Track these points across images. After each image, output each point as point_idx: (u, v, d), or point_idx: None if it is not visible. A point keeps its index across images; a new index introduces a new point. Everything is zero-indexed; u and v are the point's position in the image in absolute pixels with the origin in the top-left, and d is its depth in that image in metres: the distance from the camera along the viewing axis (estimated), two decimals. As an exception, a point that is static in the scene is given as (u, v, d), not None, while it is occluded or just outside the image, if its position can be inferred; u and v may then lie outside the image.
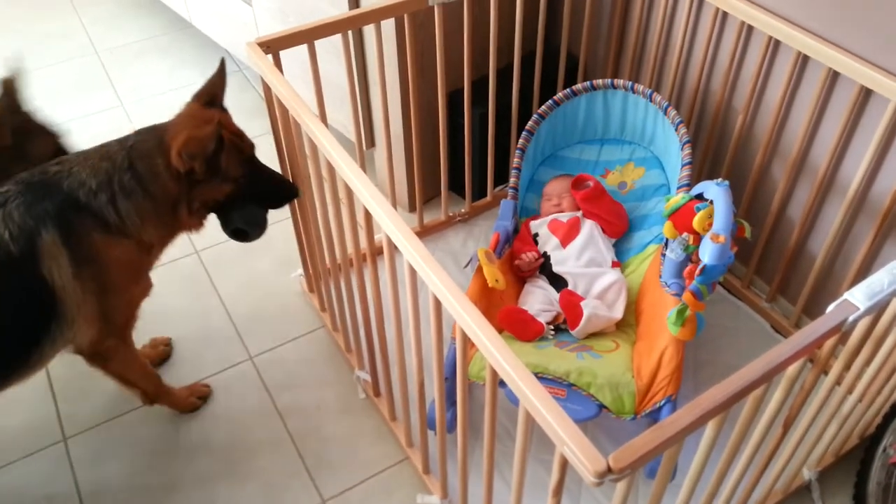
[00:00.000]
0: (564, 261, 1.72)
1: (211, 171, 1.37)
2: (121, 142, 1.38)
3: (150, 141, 1.36)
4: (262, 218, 1.52)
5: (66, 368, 1.46)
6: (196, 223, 1.46)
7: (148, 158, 1.35)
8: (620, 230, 1.82)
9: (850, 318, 0.98)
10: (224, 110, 1.47)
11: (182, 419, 1.73)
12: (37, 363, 1.37)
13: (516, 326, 1.59)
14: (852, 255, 1.66)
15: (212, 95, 1.45)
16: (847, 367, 1.17)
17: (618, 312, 1.65)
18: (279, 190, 1.53)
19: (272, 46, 1.49)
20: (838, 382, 1.22)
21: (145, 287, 1.51)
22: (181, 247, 2.16)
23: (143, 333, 1.53)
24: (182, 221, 1.43)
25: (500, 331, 1.61)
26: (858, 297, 0.99)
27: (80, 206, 1.31)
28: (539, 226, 1.81)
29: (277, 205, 1.53)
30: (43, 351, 1.35)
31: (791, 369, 1.01)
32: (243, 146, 1.44)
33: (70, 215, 1.30)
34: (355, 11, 1.59)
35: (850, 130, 1.56)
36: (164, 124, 1.39)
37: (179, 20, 3.02)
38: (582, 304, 1.61)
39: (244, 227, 1.49)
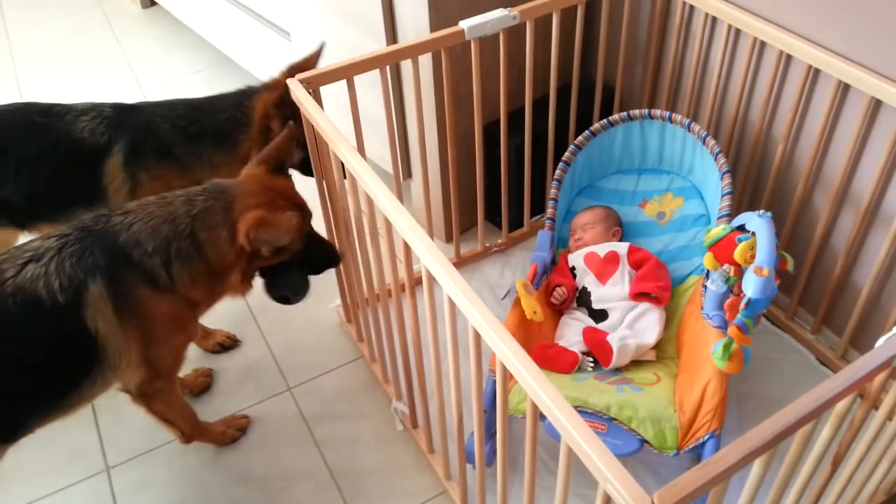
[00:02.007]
0: (604, 297, 1.71)
1: (278, 249, 1.38)
2: (188, 202, 1.37)
3: (217, 212, 1.36)
4: (305, 284, 1.54)
5: (108, 399, 1.49)
6: (245, 288, 1.47)
7: (212, 229, 1.35)
8: (668, 301, 1.74)
9: (902, 353, 0.96)
10: (288, 177, 1.48)
11: (222, 449, 1.75)
12: (77, 403, 1.40)
13: (550, 361, 1.58)
14: (900, 285, 1.63)
15: (279, 161, 1.45)
16: (898, 402, 1.14)
17: (649, 338, 1.63)
18: (327, 257, 1.55)
19: (313, 82, 1.52)
20: (889, 418, 1.19)
21: (191, 334, 1.53)
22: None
23: (185, 363, 1.57)
24: (231, 286, 1.44)
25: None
26: (909, 331, 0.97)
27: (130, 262, 1.33)
28: (576, 258, 1.80)
29: (320, 271, 1.55)
30: (83, 392, 1.38)
31: (840, 405, 0.99)
32: (306, 220, 1.45)
33: (119, 271, 1.32)
34: (394, 47, 1.61)
35: (895, 159, 1.53)
36: (233, 190, 1.39)
37: (221, 55, 3.10)
38: (608, 339, 1.59)
39: (289, 295, 1.52)
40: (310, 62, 1.45)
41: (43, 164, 1.64)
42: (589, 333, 1.61)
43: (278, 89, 1.68)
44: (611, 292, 1.71)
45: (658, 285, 1.69)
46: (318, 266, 1.54)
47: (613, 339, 1.59)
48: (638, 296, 1.69)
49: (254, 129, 1.68)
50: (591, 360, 1.62)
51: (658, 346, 1.68)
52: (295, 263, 1.46)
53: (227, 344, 1.99)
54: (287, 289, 1.51)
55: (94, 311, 1.30)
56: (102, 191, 1.67)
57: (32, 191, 1.66)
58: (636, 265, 1.75)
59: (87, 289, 1.30)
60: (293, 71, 1.63)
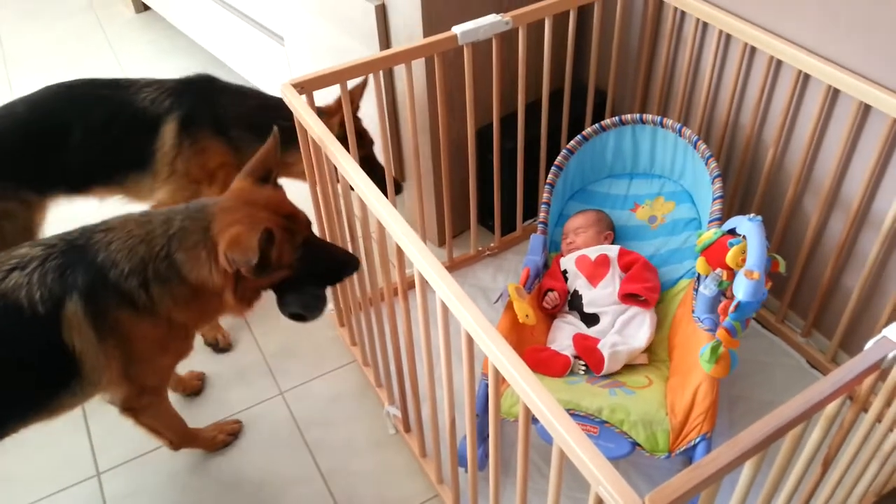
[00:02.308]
0: (595, 300, 1.71)
1: (260, 267, 1.27)
2: (166, 222, 1.32)
3: (194, 232, 1.30)
4: (320, 299, 1.43)
5: (100, 404, 1.49)
6: (244, 308, 1.38)
7: (189, 250, 1.30)
8: (655, 302, 1.76)
9: (890, 356, 0.97)
10: (278, 187, 1.41)
11: (214, 454, 1.74)
12: (57, 409, 1.39)
13: (542, 365, 1.58)
14: (889, 287, 1.64)
15: (265, 171, 1.39)
16: (888, 403, 1.14)
17: (639, 342, 1.64)
18: (338, 265, 1.43)
19: (306, 87, 1.52)
20: (879, 419, 1.20)
21: (180, 353, 1.49)
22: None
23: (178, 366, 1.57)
24: (227, 307, 1.37)
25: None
26: (898, 333, 0.97)
27: (108, 282, 1.30)
28: (568, 262, 1.81)
29: (336, 281, 1.47)
30: (62, 402, 1.37)
31: (830, 407, 1.00)
32: (297, 230, 1.35)
33: (96, 291, 1.30)
34: (387, 52, 1.62)
35: (884, 163, 1.55)
36: (214, 208, 1.32)
37: (215, 60, 3.10)
38: (599, 346, 1.60)
39: (301, 312, 1.41)
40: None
41: (104, 133, 1.78)
42: (580, 341, 1.61)
43: (335, 118, 1.79)
44: (602, 294, 1.71)
45: (645, 286, 1.69)
46: (330, 276, 1.45)
47: (604, 347, 1.60)
48: (626, 297, 1.70)
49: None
50: (583, 363, 1.62)
51: (650, 350, 1.69)
52: (304, 278, 1.37)
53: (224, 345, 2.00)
54: (297, 305, 1.40)
55: (71, 328, 1.29)
56: (152, 155, 1.80)
57: (91, 157, 1.79)
58: (626, 268, 1.76)
59: (65, 306, 1.28)
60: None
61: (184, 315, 1.37)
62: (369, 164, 1.86)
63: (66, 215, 1.76)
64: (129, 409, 1.49)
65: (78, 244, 1.33)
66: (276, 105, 1.77)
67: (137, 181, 1.85)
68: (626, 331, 1.66)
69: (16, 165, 1.75)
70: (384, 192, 1.76)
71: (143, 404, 1.48)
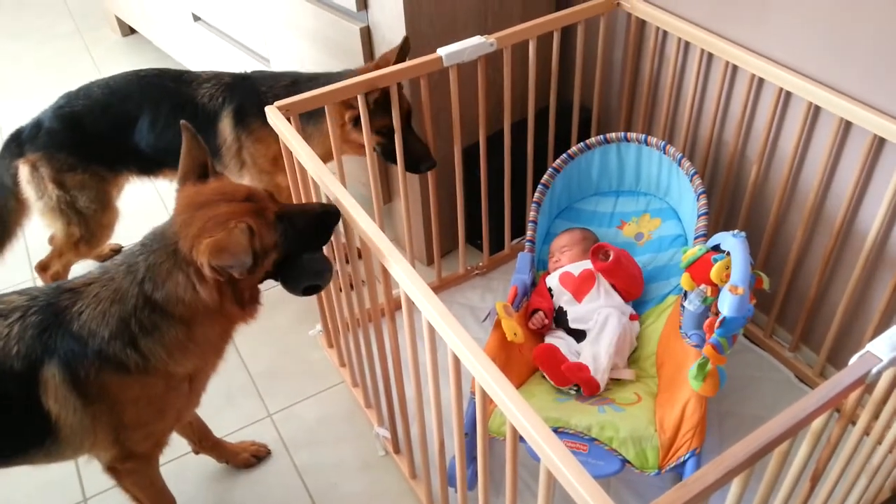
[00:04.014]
0: (581, 317, 1.71)
1: (252, 264, 1.19)
2: (130, 271, 1.21)
3: (163, 262, 1.19)
4: (322, 261, 1.34)
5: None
6: (251, 310, 1.29)
7: (166, 282, 1.19)
8: (635, 296, 1.79)
9: (874, 370, 0.97)
10: (220, 175, 1.32)
11: (201, 478, 1.73)
12: (26, 462, 1.32)
13: (550, 367, 1.58)
14: (875, 301, 1.65)
15: (200, 167, 1.28)
16: (875, 416, 1.15)
17: (609, 334, 1.65)
18: (320, 222, 1.34)
19: (292, 109, 1.53)
20: (867, 433, 1.20)
21: (182, 411, 1.38)
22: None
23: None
24: (233, 318, 1.27)
25: (521, 381, 1.60)
26: (881, 348, 0.98)
27: (88, 352, 1.20)
28: (552, 280, 1.81)
29: (327, 237, 1.37)
30: (34, 458, 1.30)
31: (816, 422, 1.00)
32: (264, 207, 1.24)
33: (77, 359, 1.20)
34: (373, 74, 1.63)
35: (866, 179, 1.56)
36: (172, 228, 1.21)
37: (201, 82, 3.10)
38: (593, 374, 1.59)
39: (314, 282, 1.33)
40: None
41: (171, 124, 1.91)
42: (575, 373, 1.59)
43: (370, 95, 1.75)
44: (587, 310, 1.72)
45: (624, 279, 1.75)
46: (318, 236, 1.34)
47: (597, 372, 1.59)
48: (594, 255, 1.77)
49: (332, 109, 1.67)
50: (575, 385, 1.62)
51: (638, 365, 1.69)
52: (294, 250, 1.27)
53: None
54: (307, 277, 1.31)
55: (48, 391, 1.20)
56: (218, 150, 1.93)
57: (160, 145, 1.93)
58: (608, 271, 1.76)
59: (43, 368, 1.20)
60: (380, 63, 1.72)
61: (183, 362, 1.26)
62: (391, 135, 1.80)
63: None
64: (113, 469, 1.38)
65: (52, 302, 1.23)
66: (304, 79, 1.85)
67: None
68: (624, 350, 1.67)
69: (90, 143, 1.93)
70: (417, 166, 1.85)
71: (129, 468, 1.38)
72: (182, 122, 1.29)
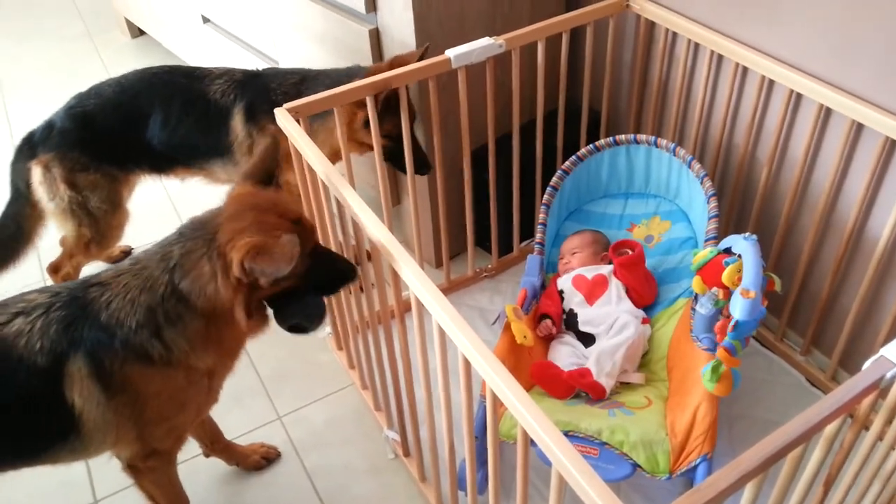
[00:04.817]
0: (591, 320, 1.71)
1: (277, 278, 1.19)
2: (163, 259, 1.21)
3: (197, 249, 1.19)
4: (320, 308, 1.34)
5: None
6: (258, 325, 1.27)
7: (193, 269, 1.19)
8: (646, 302, 1.78)
9: (888, 375, 0.96)
10: (279, 187, 1.34)
11: (212, 480, 1.73)
12: (53, 461, 1.32)
13: (547, 382, 1.57)
14: (887, 305, 1.64)
15: (266, 173, 1.31)
16: (889, 422, 1.14)
17: (625, 337, 1.65)
18: (339, 275, 1.34)
19: (300, 111, 1.53)
20: (880, 438, 1.19)
21: (201, 406, 1.39)
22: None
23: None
24: (242, 329, 1.25)
25: (530, 386, 1.60)
26: (895, 353, 0.97)
27: (115, 342, 1.21)
28: (564, 282, 1.81)
29: (334, 291, 1.38)
30: (58, 455, 1.31)
31: (830, 428, 0.99)
32: (306, 236, 1.25)
33: (104, 350, 1.21)
34: (381, 76, 1.63)
35: (878, 181, 1.55)
36: (217, 219, 1.21)
37: (210, 84, 3.11)
38: (596, 378, 1.58)
39: (304, 323, 1.32)
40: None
41: (183, 121, 1.92)
42: (578, 379, 1.58)
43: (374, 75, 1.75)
44: (598, 314, 1.71)
45: (638, 282, 1.75)
46: (330, 285, 1.35)
47: (600, 376, 1.58)
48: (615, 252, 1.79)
49: (343, 109, 1.71)
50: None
51: (648, 369, 1.68)
52: (303, 286, 1.27)
53: None
54: (301, 316, 1.31)
55: (73, 385, 1.21)
56: (230, 146, 1.93)
57: (173, 141, 1.94)
58: (628, 264, 1.76)
59: (68, 362, 1.21)
60: (395, 63, 1.70)
61: (203, 357, 1.26)
62: (397, 140, 1.82)
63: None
64: (133, 467, 1.39)
65: (79, 297, 1.24)
66: (311, 76, 1.84)
67: (219, 167, 2.00)
68: (636, 357, 1.66)
69: (102, 141, 1.93)
70: (417, 170, 1.85)
71: (150, 466, 1.39)
72: (271, 136, 1.34)
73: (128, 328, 1.20)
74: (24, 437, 1.27)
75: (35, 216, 1.99)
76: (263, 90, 1.89)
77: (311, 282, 1.27)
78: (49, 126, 1.94)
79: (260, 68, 2.00)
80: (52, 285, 1.30)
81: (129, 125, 1.94)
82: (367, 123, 1.75)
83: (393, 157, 1.84)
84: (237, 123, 1.92)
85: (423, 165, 1.89)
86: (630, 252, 1.77)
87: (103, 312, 1.21)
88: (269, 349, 2.03)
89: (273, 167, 1.33)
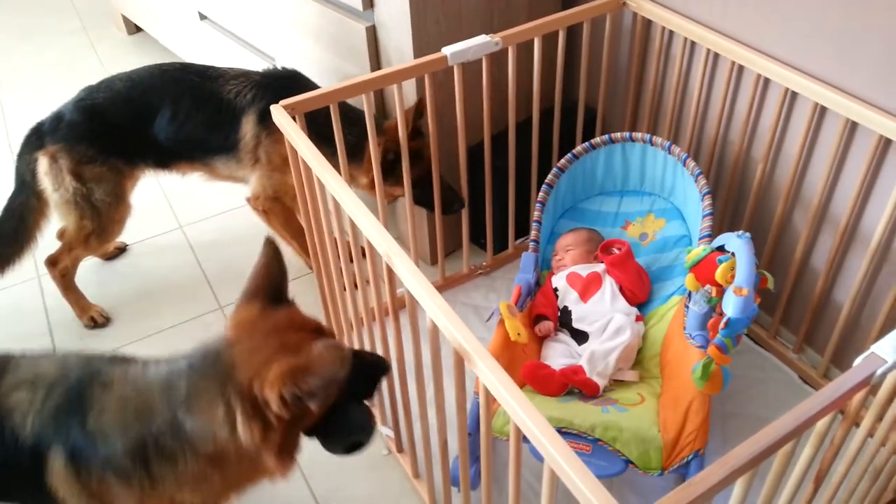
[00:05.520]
0: (585, 317, 1.71)
1: (320, 397, 1.05)
2: (168, 388, 1.08)
3: (208, 389, 1.05)
4: (366, 413, 1.18)
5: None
6: (286, 465, 1.10)
7: (205, 415, 1.05)
8: (640, 299, 1.79)
9: (879, 372, 0.97)
10: (291, 303, 1.18)
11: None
12: None
13: (539, 382, 1.58)
14: (879, 303, 1.65)
15: (273, 287, 1.15)
16: (879, 418, 1.14)
17: (620, 340, 1.65)
18: (374, 372, 1.21)
19: (297, 108, 1.53)
20: (871, 434, 1.20)
21: None
22: (204, 303, 2.18)
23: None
24: (266, 470, 1.10)
25: (522, 385, 1.60)
26: (886, 350, 0.98)
27: (97, 453, 1.09)
28: (558, 279, 1.81)
29: (371, 391, 1.22)
30: None
31: (820, 424, 1.00)
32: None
33: (84, 457, 1.10)
34: (378, 73, 1.63)
35: (872, 180, 1.56)
36: (230, 353, 1.06)
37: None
38: (588, 375, 1.58)
39: (361, 437, 1.17)
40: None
41: (191, 118, 1.96)
42: (571, 377, 1.59)
43: (387, 135, 1.86)
44: (592, 311, 1.71)
45: (631, 279, 1.76)
46: (367, 385, 1.20)
47: (592, 374, 1.58)
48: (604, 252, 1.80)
49: (364, 156, 1.87)
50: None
51: (641, 366, 1.69)
52: (344, 396, 1.11)
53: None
54: (356, 431, 1.15)
55: (54, 474, 1.13)
56: (236, 144, 1.97)
57: (180, 136, 1.97)
58: (617, 263, 1.77)
59: (51, 451, 1.12)
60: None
61: (195, 496, 1.12)
62: (423, 185, 1.91)
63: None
64: None
65: (81, 391, 1.13)
66: (345, 116, 1.73)
67: (222, 164, 2.04)
68: (603, 336, 1.66)
69: (111, 134, 1.96)
70: (446, 209, 1.95)
71: None
72: (266, 238, 1.18)
73: (112, 448, 1.09)
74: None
75: (38, 209, 2.00)
76: (283, 97, 1.88)
77: (351, 388, 1.13)
78: (58, 117, 1.95)
79: (279, 67, 2.05)
80: (69, 354, 1.21)
81: (138, 119, 1.97)
82: (387, 172, 1.83)
83: (420, 202, 1.94)
84: (248, 123, 1.95)
85: (453, 202, 1.96)
86: (618, 251, 1.78)
87: (92, 418, 1.10)
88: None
89: (280, 278, 1.17)
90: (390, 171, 1.87)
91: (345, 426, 1.15)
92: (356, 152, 1.86)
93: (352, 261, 1.51)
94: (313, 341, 1.06)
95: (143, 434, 1.07)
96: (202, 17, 2.80)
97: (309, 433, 1.14)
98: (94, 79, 2.06)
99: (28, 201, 1.99)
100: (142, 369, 1.14)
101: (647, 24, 1.90)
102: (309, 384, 0.99)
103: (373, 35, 1.92)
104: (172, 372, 1.10)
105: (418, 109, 1.83)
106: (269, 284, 1.15)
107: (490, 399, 1.06)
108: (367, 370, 1.19)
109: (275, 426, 1.04)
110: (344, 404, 1.13)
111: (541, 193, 1.90)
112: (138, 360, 1.18)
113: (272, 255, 1.16)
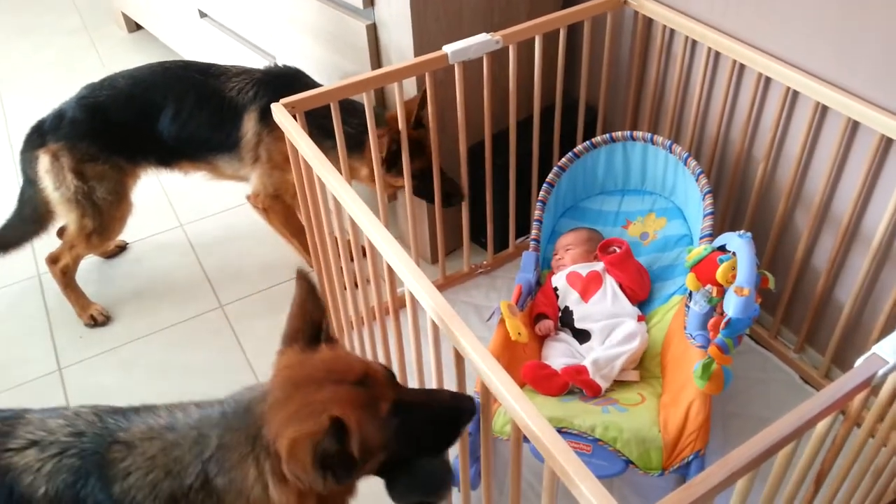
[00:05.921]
0: (587, 316, 1.71)
1: (343, 471, 0.94)
2: (198, 442, 1.00)
3: (239, 445, 0.97)
4: (443, 470, 1.05)
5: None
6: None
7: (235, 471, 0.97)
8: (641, 297, 1.79)
9: (880, 373, 0.97)
10: (334, 343, 1.09)
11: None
12: None
13: (539, 382, 1.57)
14: (881, 303, 1.64)
15: (310, 326, 1.07)
16: (880, 418, 1.14)
17: (627, 348, 1.64)
18: (450, 417, 1.04)
19: (298, 107, 1.53)
20: (872, 435, 1.20)
21: None
22: (204, 301, 2.18)
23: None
24: None
25: (522, 384, 1.60)
26: (887, 350, 0.98)
27: None
28: (559, 279, 1.81)
29: (454, 438, 1.06)
30: None
31: (821, 424, 0.99)
32: (378, 395, 0.99)
33: None
34: (379, 71, 1.63)
35: (873, 179, 1.56)
36: (260, 408, 0.98)
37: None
38: (591, 376, 1.58)
39: (425, 499, 1.05)
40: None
41: (194, 116, 1.96)
42: (573, 376, 1.59)
43: (390, 126, 1.84)
44: (594, 311, 1.71)
45: (631, 278, 1.75)
46: (443, 435, 1.05)
47: (595, 377, 1.58)
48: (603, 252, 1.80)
49: (365, 148, 1.84)
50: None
51: (642, 366, 1.68)
52: (407, 452, 1.01)
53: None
54: (416, 491, 1.03)
55: None
56: (237, 142, 1.97)
57: (183, 134, 1.97)
58: (616, 262, 1.77)
59: None
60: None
61: None
62: (424, 176, 1.90)
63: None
64: None
65: (98, 451, 1.05)
66: (345, 108, 1.75)
67: (224, 162, 2.04)
68: (611, 340, 1.66)
69: (113, 132, 1.96)
70: (445, 202, 1.93)
71: None
72: (298, 270, 1.10)
73: None
74: None
75: (47, 203, 2.01)
76: (288, 94, 1.87)
77: (409, 445, 1.00)
78: (59, 115, 1.95)
79: (281, 65, 2.05)
80: (80, 414, 1.12)
81: (140, 117, 1.96)
82: (389, 164, 1.83)
83: (420, 194, 1.93)
84: (250, 120, 1.94)
85: (453, 195, 1.95)
86: (617, 250, 1.77)
87: (118, 483, 1.02)
88: (264, 345, 2.03)
89: (318, 316, 1.08)
90: (392, 161, 1.86)
91: (412, 484, 1.03)
92: (357, 143, 1.85)
93: (352, 260, 1.51)
94: (342, 399, 0.95)
95: (174, 494, 1.00)
96: (202, 14, 2.80)
97: (379, 474, 1.04)
98: (94, 77, 2.05)
99: (37, 195, 2.01)
100: (167, 419, 1.06)
101: (648, 22, 1.89)
102: (294, 472, 0.90)
103: (373, 33, 1.92)
104: (203, 420, 1.03)
105: (423, 99, 1.80)
106: (306, 324, 1.07)
107: (490, 399, 1.05)
108: (438, 421, 1.03)
109: (307, 491, 0.95)
110: (402, 460, 1.00)
111: (542, 192, 1.90)
112: (160, 408, 1.09)
113: (307, 292, 1.08)
